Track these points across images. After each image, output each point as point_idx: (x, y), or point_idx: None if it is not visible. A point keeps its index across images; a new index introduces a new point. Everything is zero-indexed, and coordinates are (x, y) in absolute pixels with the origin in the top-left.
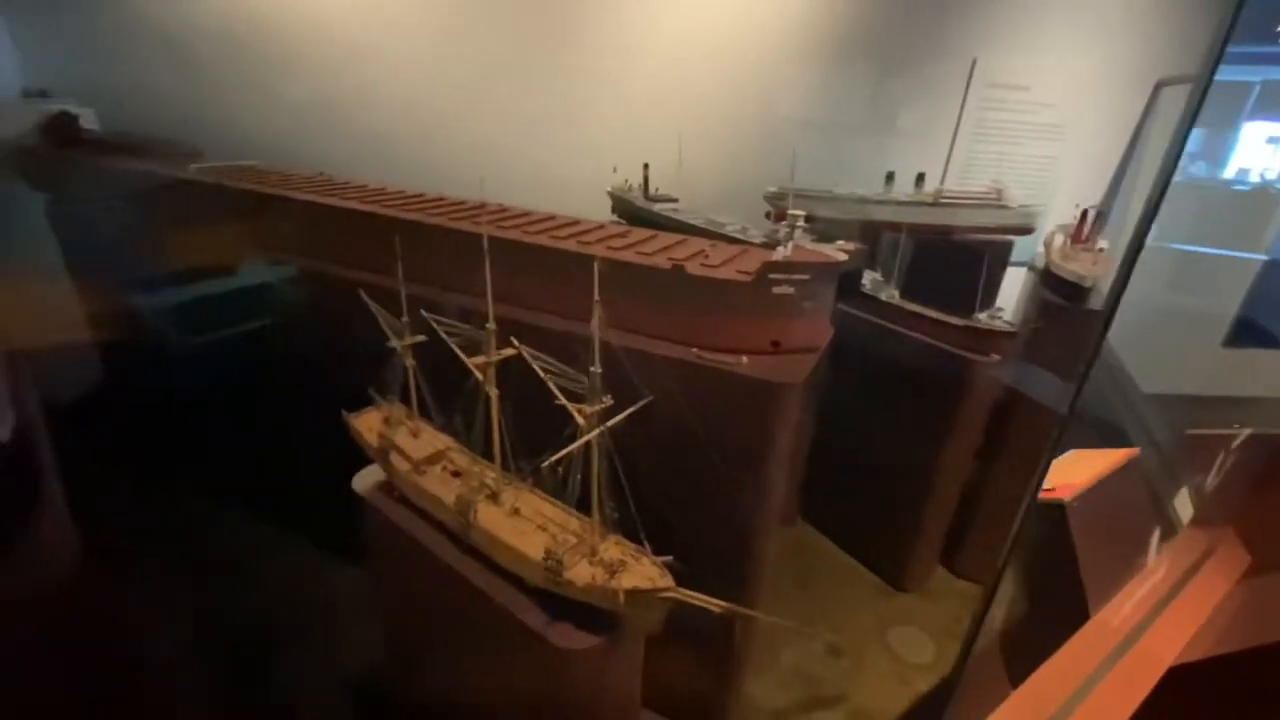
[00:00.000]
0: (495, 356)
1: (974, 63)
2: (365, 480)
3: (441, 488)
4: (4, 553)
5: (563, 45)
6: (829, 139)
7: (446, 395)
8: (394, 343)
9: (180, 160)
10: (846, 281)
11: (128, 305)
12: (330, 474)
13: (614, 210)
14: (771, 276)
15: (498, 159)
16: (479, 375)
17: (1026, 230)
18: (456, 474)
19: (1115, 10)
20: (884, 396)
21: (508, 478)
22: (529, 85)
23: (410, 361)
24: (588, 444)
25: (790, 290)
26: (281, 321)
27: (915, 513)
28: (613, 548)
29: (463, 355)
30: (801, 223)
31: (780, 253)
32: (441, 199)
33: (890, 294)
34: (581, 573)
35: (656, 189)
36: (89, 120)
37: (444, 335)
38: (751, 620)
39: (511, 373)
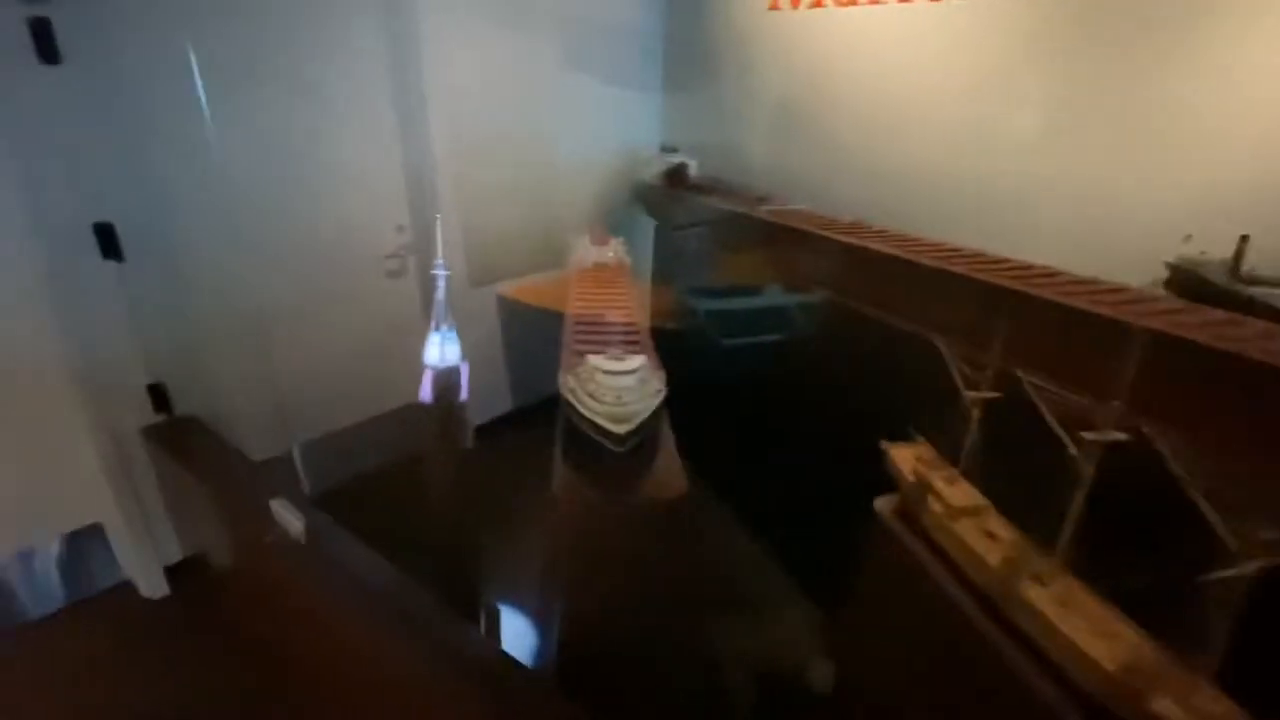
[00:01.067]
0: (1104, 437)
1: None
2: (884, 506)
3: (979, 544)
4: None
5: (1134, 87)
6: None
7: (999, 457)
8: (968, 394)
9: (752, 202)
10: None
11: (689, 306)
12: (810, 481)
13: (1171, 285)
14: None
15: (1034, 212)
16: (1075, 450)
17: None
18: (992, 536)
19: None
20: None
21: (1057, 563)
22: (1084, 136)
23: (976, 413)
24: (1233, 576)
25: None
26: (798, 339)
27: None
28: (1216, 701)
29: (1060, 428)
30: None
31: None
32: (980, 254)
33: None
34: (1175, 712)
35: (1253, 267)
36: (694, 169)
37: (1037, 400)
38: None
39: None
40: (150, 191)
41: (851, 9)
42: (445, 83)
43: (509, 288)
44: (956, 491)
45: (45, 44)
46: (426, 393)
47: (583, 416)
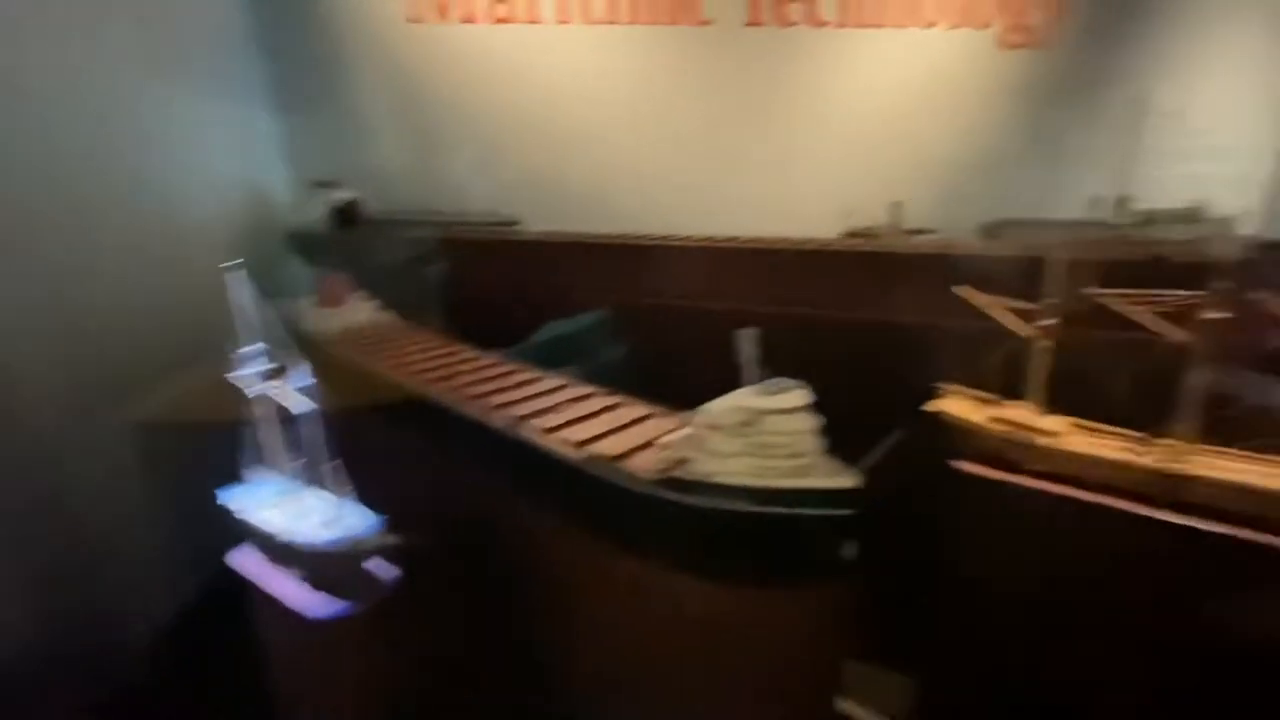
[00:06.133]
0: None
1: None
2: (970, 468)
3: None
4: None
5: (774, 98)
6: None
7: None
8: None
9: (500, 231)
10: None
11: None
12: None
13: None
14: None
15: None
16: None
17: None
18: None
19: None
20: None
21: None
22: (744, 135)
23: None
24: None
25: None
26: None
27: None
28: None
29: None
30: None
31: None
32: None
33: None
34: None
35: (916, 226)
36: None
37: None
38: None
39: None
40: None
41: (508, 26)
42: None
43: (156, 409)
44: (1048, 421)
45: None
46: (317, 603)
47: (758, 494)
